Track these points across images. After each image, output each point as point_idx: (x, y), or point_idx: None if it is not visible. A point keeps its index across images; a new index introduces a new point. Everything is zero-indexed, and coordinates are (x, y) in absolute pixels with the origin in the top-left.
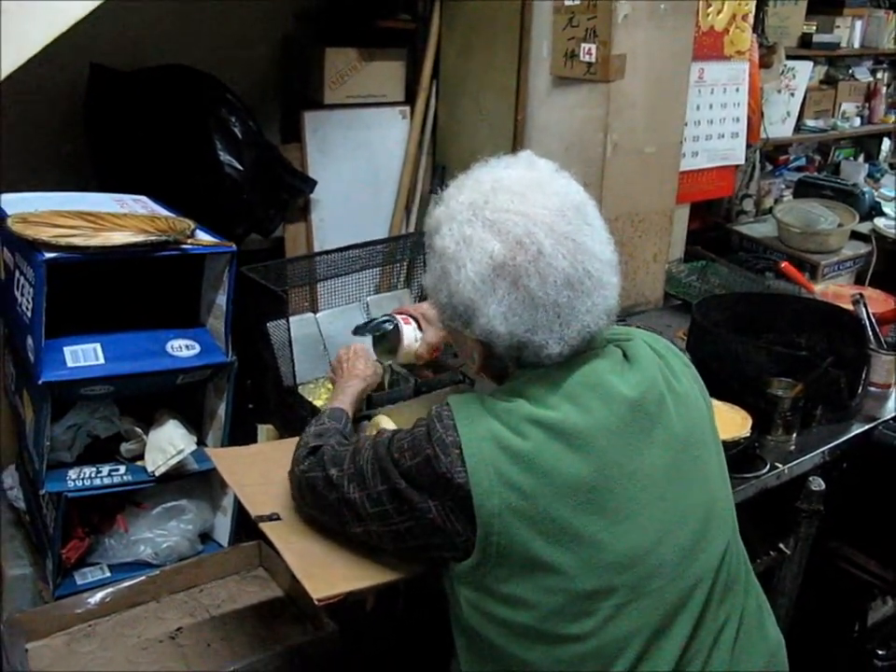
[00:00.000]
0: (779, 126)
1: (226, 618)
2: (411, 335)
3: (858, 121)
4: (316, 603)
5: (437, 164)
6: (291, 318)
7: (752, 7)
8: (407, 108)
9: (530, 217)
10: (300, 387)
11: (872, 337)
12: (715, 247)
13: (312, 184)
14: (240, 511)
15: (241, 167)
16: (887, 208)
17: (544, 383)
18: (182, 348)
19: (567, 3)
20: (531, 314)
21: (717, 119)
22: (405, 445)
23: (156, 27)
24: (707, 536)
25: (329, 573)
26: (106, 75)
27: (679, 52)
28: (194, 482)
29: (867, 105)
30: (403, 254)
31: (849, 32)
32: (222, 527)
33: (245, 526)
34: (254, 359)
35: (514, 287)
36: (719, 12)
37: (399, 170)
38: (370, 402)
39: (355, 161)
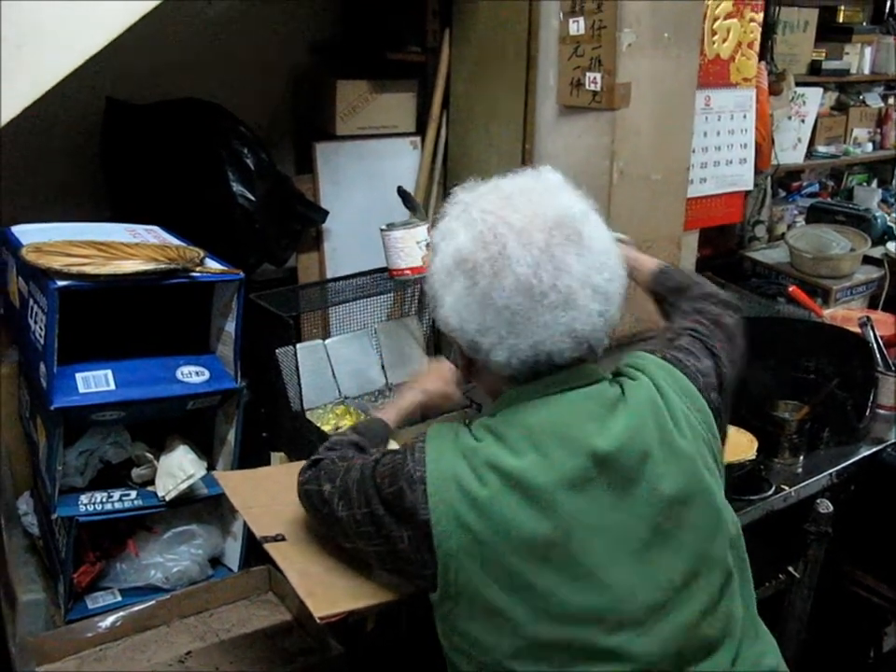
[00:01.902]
0: (791, 152)
1: (235, 642)
2: None
3: (870, 147)
4: (318, 621)
5: (448, 194)
6: (300, 345)
7: (758, 34)
8: (418, 139)
9: (504, 218)
10: (308, 413)
11: (879, 359)
12: (727, 273)
13: (324, 214)
14: (250, 536)
15: (253, 198)
16: None
17: (519, 421)
18: (192, 374)
19: (571, 32)
20: (481, 312)
21: (724, 145)
22: (386, 472)
23: (170, 60)
24: (683, 595)
25: (331, 592)
26: (121, 108)
27: (684, 80)
28: (204, 507)
29: (879, 130)
30: (412, 282)
31: (859, 58)
32: (232, 552)
33: (255, 551)
34: (267, 386)
35: (470, 283)
36: (724, 40)
37: None
38: None
39: (366, 192)
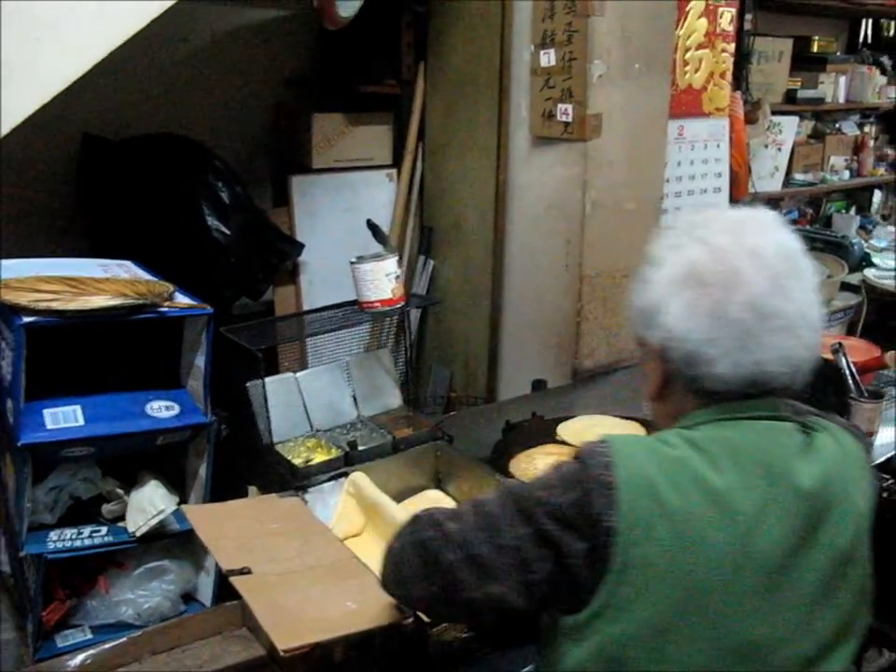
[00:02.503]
0: (768, 181)
1: None
2: None
3: (847, 174)
4: (282, 654)
5: (424, 226)
6: (271, 378)
7: (730, 64)
8: (394, 171)
9: (738, 241)
10: (279, 446)
11: (852, 386)
12: None
13: (299, 247)
14: (222, 571)
15: (228, 232)
16: (876, 259)
17: (722, 438)
18: (162, 409)
19: (542, 64)
20: (710, 324)
21: (699, 174)
22: (553, 482)
23: (147, 95)
24: (829, 657)
25: (296, 625)
26: (98, 143)
27: (655, 110)
28: (176, 542)
29: (855, 158)
30: (384, 315)
31: (834, 87)
32: (205, 587)
33: (229, 586)
34: (240, 420)
35: (701, 292)
36: (696, 70)
37: (387, 232)
38: (347, 459)
39: (343, 224)
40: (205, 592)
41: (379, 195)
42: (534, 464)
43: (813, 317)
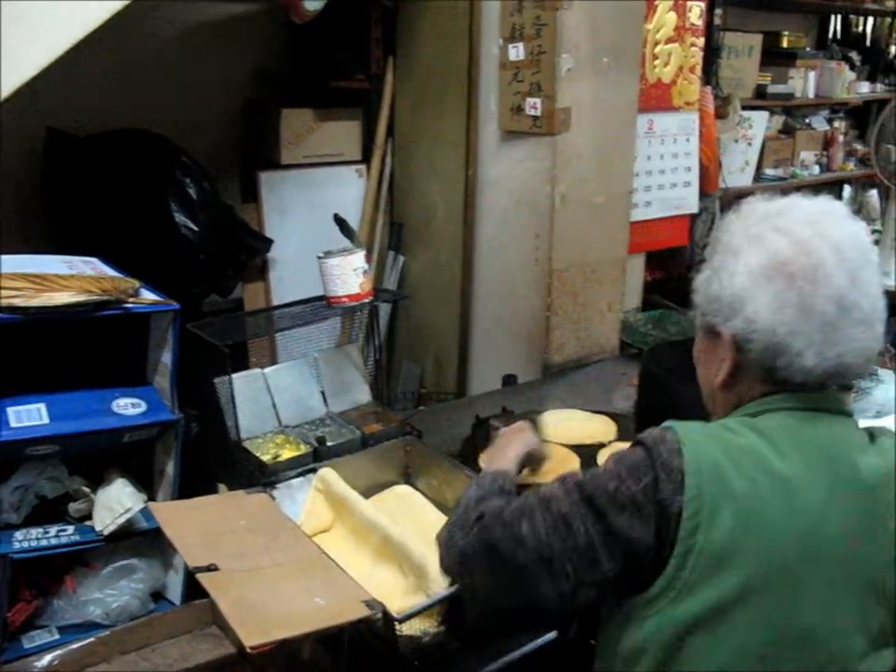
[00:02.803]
0: (738, 175)
1: None
2: None
3: (817, 169)
4: (249, 651)
5: (394, 221)
6: (238, 374)
7: (699, 59)
8: (363, 167)
9: (818, 232)
10: (247, 442)
11: None
12: (678, 297)
13: (268, 243)
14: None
15: (196, 228)
16: None
17: (787, 427)
18: (128, 406)
19: (511, 58)
20: (797, 316)
21: (668, 168)
22: (622, 472)
23: (114, 90)
24: (880, 654)
25: (263, 621)
26: (63, 139)
27: (624, 104)
28: (145, 540)
29: (825, 153)
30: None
31: (803, 82)
32: (174, 586)
33: (198, 584)
34: (209, 417)
35: (789, 286)
36: (666, 64)
37: (357, 228)
38: (315, 455)
39: (312, 220)
40: (174, 590)
41: (348, 191)
42: None
43: (882, 309)
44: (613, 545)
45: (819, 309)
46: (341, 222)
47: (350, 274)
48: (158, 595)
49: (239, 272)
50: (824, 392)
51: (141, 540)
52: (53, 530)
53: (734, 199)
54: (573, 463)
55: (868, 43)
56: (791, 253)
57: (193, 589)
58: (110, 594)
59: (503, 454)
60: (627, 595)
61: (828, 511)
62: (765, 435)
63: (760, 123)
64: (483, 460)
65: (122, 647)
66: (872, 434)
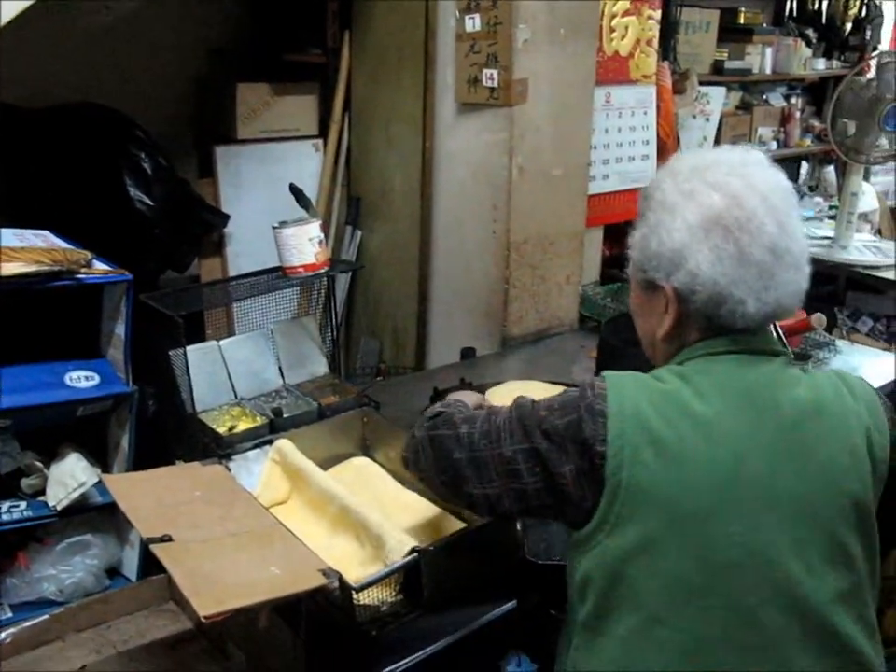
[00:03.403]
0: (696, 151)
1: (133, 653)
2: None
3: (774, 145)
4: (203, 620)
5: (351, 196)
6: (192, 346)
7: (656, 32)
8: (320, 141)
9: (748, 183)
10: (203, 415)
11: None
12: None
13: (225, 218)
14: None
15: (151, 202)
16: (803, 229)
17: (711, 370)
18: (81, 379)
19: (468, 30)
20: (736, 266)
21: (626, 142)
22: (555, 405)
23: (67, 65)
24: (821, 580)
25: (218, 590)
26: (14, 113)
27: (581, 76)
28: (99, 516)
29: (782, 129)
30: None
31: (760, 59)
32: (130, 561)
33: (155, 560)
34: (164, 389)
35: (726, 238)
36: (623, 37)
37: (314, 203)
38: (271, 426)
39: (269, 195)
40: (130, 566)
41: (305, 166)
42: None
43: (806, 251)
44: (533, 463)
45: (756, 258)
46: (296, 192)
47: (306, 244)
48: (113, 572)
49: (195, 247)
50: (757, 334)
51: (96, 516)
52: (5, 506)
53: None
54: None
55: (823, 20)
56: (724, 206)
57: (150, 565)
58: (64, 570)
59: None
60: (569, 523)
61: (748, 448)
62: (689, 380)
63: (717, 99)
64: None
65: (77, 624)
66: (804, 370)
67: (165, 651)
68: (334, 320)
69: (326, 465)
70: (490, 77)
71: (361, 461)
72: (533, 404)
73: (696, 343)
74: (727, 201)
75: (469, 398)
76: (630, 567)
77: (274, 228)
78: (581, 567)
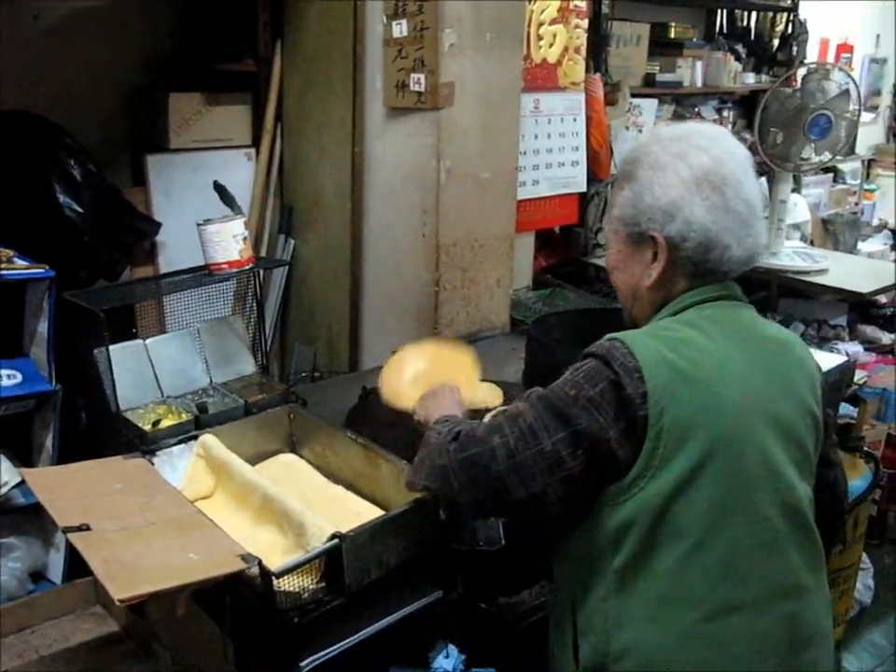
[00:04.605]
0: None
1: (56, 657)
2: None
3: None
4: (118, 603)
5: (285, 205)
6: (117, 345)
7: (584, 40)
8: (253, 150)
9: (724, 149)
10: (129, 413)
11: None
12: (574, 279)
13: (156, 226)
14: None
15: (81, 209)
16: None
17: (707, 316)
18: (3, 378)
19: (395, 35)
20: (724, 216)
21: (556, 147)
22: (580, 380)
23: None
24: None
25: (134, 575)
26: None
27: (508, 81)
28: (23, 518)
29: None
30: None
31: (691, 72)
32: (55, 565)
33: (83, 563)
34: (88, 388)
35: (714, 192)
36: (551, 45)
37: (247, 212)
38: (197, 423)
39: (201, 204)
40: (56, 570)
41: (238, 175)
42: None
43: (762, 205)
44: (576, 444)
45: (738, 208)
46: (220, 189)
47: (230, 241)
48: (38, 576)
49: (127, 255)
50: (734, 284)
51: (19, 518)
52: None
53: None
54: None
55: (752, 36)
56: (711, 165)
57: (76, 568)
58: None
59: (441, 402)
60: (606, 483)
61: (750, 376)
62: (697, 326)
63: (650, 111)
64: (420, 414)
65: None
66: (762, 314)
67: (90, 653)
68: (262, 318)
69: (253, 461)
70: (417, 81)
71: (288, 458)
72: (553, 390)
73: (686, 292)
74: (712, 161)
75: (447, 402)
76: (675, 502)
77: (199, 225)
78: (617, 515)
